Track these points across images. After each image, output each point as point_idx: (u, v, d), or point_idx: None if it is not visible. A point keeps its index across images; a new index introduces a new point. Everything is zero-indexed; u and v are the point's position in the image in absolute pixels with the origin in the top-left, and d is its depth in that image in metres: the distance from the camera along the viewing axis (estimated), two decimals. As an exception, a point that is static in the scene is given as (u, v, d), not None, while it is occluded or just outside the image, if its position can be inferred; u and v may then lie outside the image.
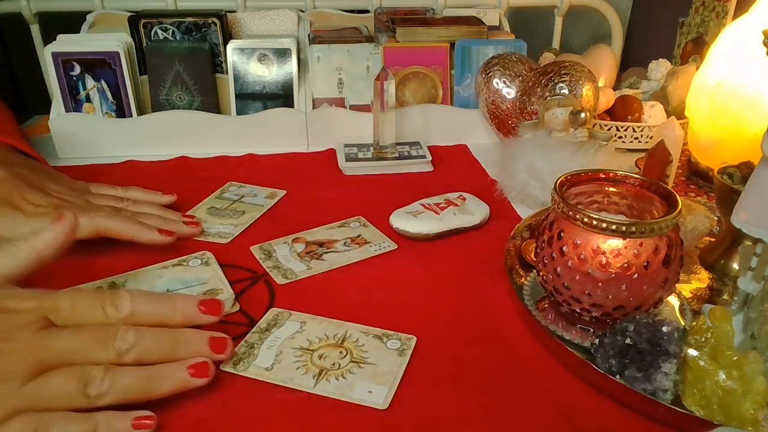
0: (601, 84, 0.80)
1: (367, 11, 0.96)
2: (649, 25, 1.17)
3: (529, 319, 0.46)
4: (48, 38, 0.82)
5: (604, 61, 0.90)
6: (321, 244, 0.58)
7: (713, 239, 0.57)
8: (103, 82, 0.76)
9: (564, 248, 0.43)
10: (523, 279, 0.52)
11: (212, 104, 0.81)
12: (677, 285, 0.46)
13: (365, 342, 0.44)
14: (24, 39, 0.98)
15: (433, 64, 0.83)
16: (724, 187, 0.52)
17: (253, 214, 0.63)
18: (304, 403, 0.39)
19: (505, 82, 0.74)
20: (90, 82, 0.76)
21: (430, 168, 0.76)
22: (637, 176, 0.46)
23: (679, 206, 0.41)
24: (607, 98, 0.80)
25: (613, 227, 0.40)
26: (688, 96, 0.71)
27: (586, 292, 0.42)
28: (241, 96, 0.80)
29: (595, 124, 0.79)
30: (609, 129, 0.79)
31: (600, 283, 0.42)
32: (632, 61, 1.13)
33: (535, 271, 0.50)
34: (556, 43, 1.08)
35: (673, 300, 0.49)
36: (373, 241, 0.58)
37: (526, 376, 0.42)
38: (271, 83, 0.80)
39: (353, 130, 0.80)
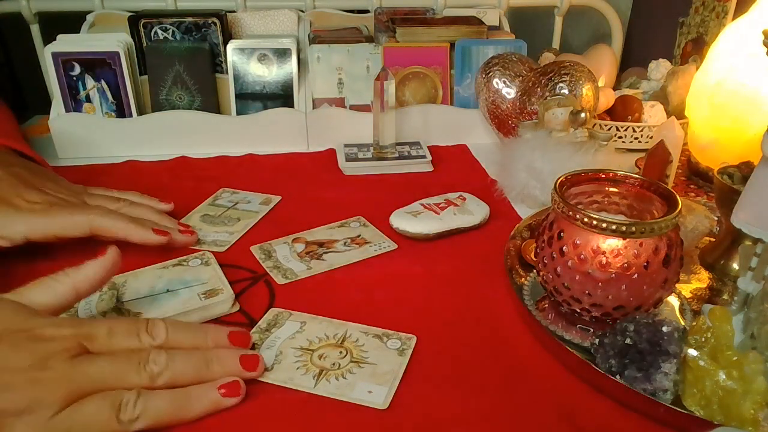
0: (601, 84, 0.80)
1: (367, 11, 0.96)
2: (649, 25, 1.17)
3: (529, 319, 0.46)
4: (48, 38, 0.82)
5: (604, 61, 0.90)
6: (321, 244, 0.58)
7: (713, 239, 0.57)
8: (103, 82, 0.76)
9: (564, 248, 0.43)
10: (523, 279, 0.52)
11: (212, 104, 0.81)
12: (677, 285, 0.46)
13: (365, 342, 0.44)
14: (24, 39, 0.98)
15: (433, 64, 0.83)
16: (724, 187, 0.52)
17: (248, 221, 0.62)
18: (303, 403, 0.39)
19: (505, 82, 0.74)
20: (90, 82, 0.76)
21: (430, 168, 0.76)
22: (637, 176, 0.46)
23: (679, 206, 0.41)
24: (607, 98, 0.80)
25: (613, 227, 0.40)
26: (688, 96, 0.71)
27: (586, 292, 0.42)
28: (241, 96, 0.80)
29: (595, 124, 0.79)
30: (609, 129, 0.79)
31: (600, 283, 0.42)
32: (632, 61, 1.13)
33: (535, 271, 0.50)
34: (556, 43, 1.08)
35: (673, 300, 0.49)
36: (373, 241, 0.58)
37: (526, 376, 0.42)
38: (271, 83, 0.80)
39: (353, 130, 0.80)
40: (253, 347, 0.43)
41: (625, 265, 0.41)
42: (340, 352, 0.43)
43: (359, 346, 0.44)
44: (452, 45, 0.83)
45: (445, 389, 0.41)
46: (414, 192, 0.66)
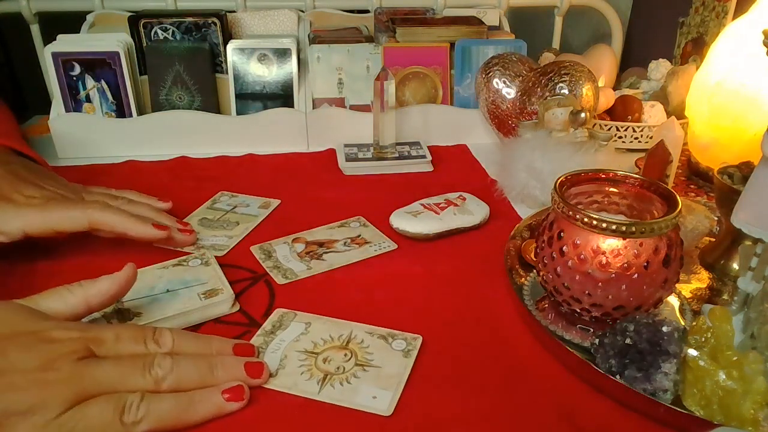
0: (601, 84, 0.80)
1: (367, 11, 0.96)
2: (649, 25, 1.17)
3: (529, 319, 0.46)
4: (48, 38, 0.82)
5: (604, 61, 0.90)
6: (321, 244, 0.58)
7: (713, 239, 0.57)
8: (103, 82, 0.76)
9: (564, 248, 0.43)
10: (523, 279, 0.52)
11: (212, 104, 0.81)
12: (677, 285, 0.46)
13: (370, 343, 0.44)
14: (24, 39, 0.98)
15: (433, 64, 0.83)
16: (724, 187, 0.52)
17: (248, 225, 0.61)
18: (307, 410, 0.39)
19: (505, 82, 0.74)
20: (90, 82, 0.76)
21: (430, 168, 0.76)
22: (637, 176, 0.46)
23: (679, 206, 0.41)
24: (607, 98, 0.80)
25: (613, 227, 0.40)
26: (688, 96, 0.71)
27: (586, 292, 0.42)
28: (241, 96, 0.80)
29: (595, 124, 0.79)
30: (609, 129, 0.79)
31: (600, 283, 0.42)
32: (632, 61, 1.13)
33: (535, 271, 0.50)
34: (556, 43, 1.08)
35: (673, 300, 0.49)
36: (373, 241, 0.58)
37: (526, 376, 0.42)
38: (271, 83, 0.80)
39: (353, 130, 0.80)
40: (257, 355, 0.43)
41: (625, 265, 0.41)
42: (345, 355, 0.43)
43: (364, 347, 0.44)
44: (452, 45, 0.83)
45: (445, 390, 0.41)
46: (414, 192, 0.66)
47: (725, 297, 0.51)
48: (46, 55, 0.75)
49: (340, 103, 0.82)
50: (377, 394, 0.40)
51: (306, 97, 0.81)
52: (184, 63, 0.78)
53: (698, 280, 0.53)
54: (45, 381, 0.34)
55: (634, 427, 0.38)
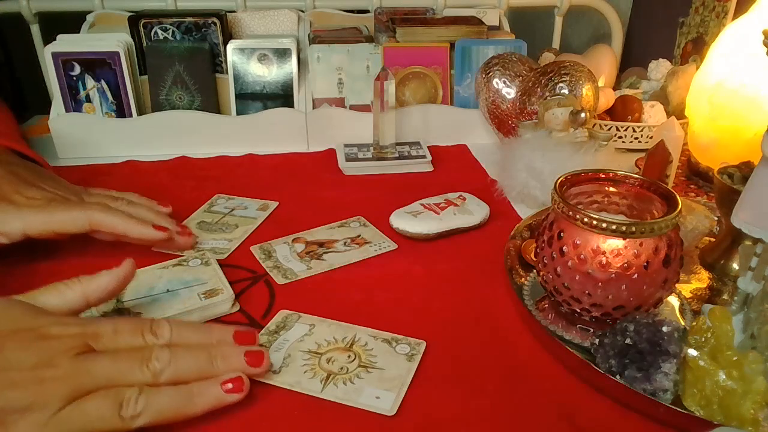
0: (601, 84, 0.80)
1: (367, 11, 0.96)
2: (649, 25, 1.17)
3: (529, 319, 0.46)
4: (48, 38, 0.82)
5: (604, 61, 0.90)
6: (321, 244, 0.58)
7: (713, 239, 0.57)
8: (103, 82, 0.76)
9: (564, 248, 0.43)
10: (523, 279, 0.52)
11: (212, 104, 0.81)
12: (677, 285, 0.46)
13: (374, 346, 0.44)
14: (24, 39, 0.98)
15: (433, 64, 0.83)
16: (724, 187, 0.52)
17: (247, 228, 0.61)
18: (310, 408, 0.39)
19: (505, 82, 0.74)
20: (90, 82, 0.76)
21: (430, 168, 0.76)
22: (637, 176, 0.46)
23: (679, 206, 0.41)
24: (607, 98, 0.80)
25: (613, 227, 0.40)
26: (688, 96, 0.71)
27: (586, 292, 0.42)
28: (241, 96, 0.80)
29: (595, 124, 0.79)
30: (609, 129, 0.79)
31: (600, 283, 0.42)
32: (632, 61, 1.13)
33: (535, 271, 0.50)
34: (556, 43, 1.08)
35: (673, 300, 0.49)
36: (373, 241, 0.58)
37: (526, 376, 0.42)
38: (271, 83, 0.80)
39: (353, 130, 0.80)
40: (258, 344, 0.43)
41: (625, 265, 0.41)
42: (349, 356, 0.43)
43: (368, 350, 0.44)
44: (452, 45, 0.83)
45: (445, 390, 0.41)
46: (414, 192, 0.66)
47: (725, 297, 0.51)
48: (46, 55, 0.75)
49: (340, 103, 0.82)
50: (380, 394, 0.40)
51: (306, 97, 0.81)
52: (184, 63, 0.78)
53: (698, 280, 0.53)
54: (43, 378, 0.34)
55: (634, 427, 0.38)
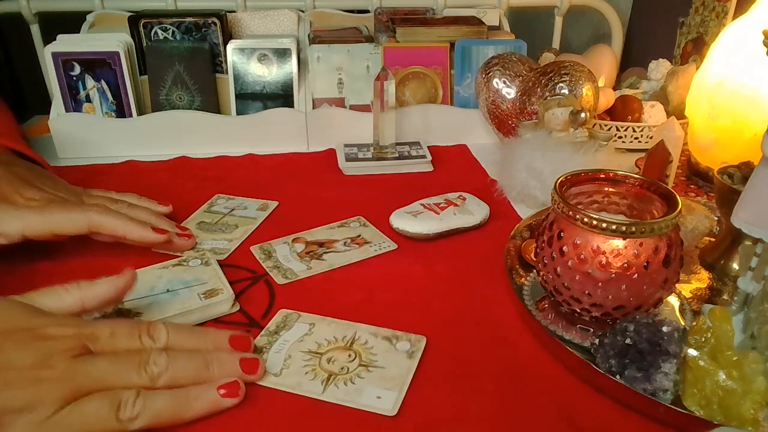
0: (601, 84, 0.80)
1: (367, 11, 0.96)
2: (649, 25, 1.17)
3: (529, 319, 0.46)
4: (48, 38, 0.82)
5: (604, 61, 0.90)
6: (321, 244, 0.58)
7: (713, 239, 0.57)
8: (103, 82, 0.76)
9: (564, 248, 0.43)
10: (523, 279, 0.52)
11: (212, 104, 0.81)
12: (677, 285, 0.46)
13: (374, 344, 0.44)
14: (24, 39, 0.98)
15: (433, 64, 0.83)
16: (724, 187, 0.52)
17: (247, 228, 0.61)
18: (311, 409, 0.39)
19: (505, 82, 0.74)
20: (90, 82, 0.76)
21: (430, 168, 0.76)
22: (637, 176, 0.46)
23: (679, 206, 0.41)
24: (607, 98, 0.80)
25: (613, 227, 0.40)
26: (688, 96, 0.71)
27: (586, 292, 0.42)
28: (241, 96, 0.80)
29: (595, 124, 0.79)
30: (609, 129, 0.79)
31: (600, 283, 0.42)
32: (632, 61, 1.13)
33: (535, 271, 0.50)
34: (556, 43, 1.08)
35: (673, 300, 0.49)
36: (373, 241, 0.58)
37: (526, 376, 0.42)
38: (271, 83, 0.80)
39: (353, 130, 0.80)
40: (257, 351, 0.43)
41: (625, 265, 0.41)
42: (349, 355, 0.43)
43: (368, 348, 0.44)
44: (452, 45, 0.83)
45: (446, 390, 0.41)
46: (414, 192, 0.66)
47: (725, 297, 0.51)
48: (46, 55, 0.75)
49: (340, 103, 0.82)
50: (381, 394, 0.40)
51: (306, 97, 0.81)
52: (184, 63, 0.78)
53: (698, 280, 0.53)
54: (40, 378, 0.34)
55: (634, 427, 0.38)
